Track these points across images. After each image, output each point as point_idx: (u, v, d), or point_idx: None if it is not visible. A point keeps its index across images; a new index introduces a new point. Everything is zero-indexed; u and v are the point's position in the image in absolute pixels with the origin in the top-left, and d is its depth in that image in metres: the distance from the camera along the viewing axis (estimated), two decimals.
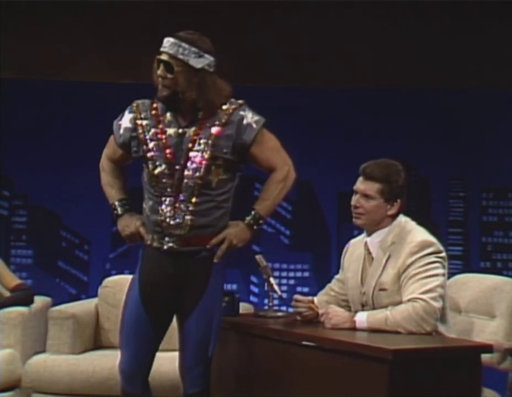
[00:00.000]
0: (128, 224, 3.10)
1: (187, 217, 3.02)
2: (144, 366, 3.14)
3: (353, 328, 3.01)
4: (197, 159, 3.01)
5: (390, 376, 2.57)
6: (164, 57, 2.98)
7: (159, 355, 3.81)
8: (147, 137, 3.04)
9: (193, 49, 2.98)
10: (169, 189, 3.02)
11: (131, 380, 3.12)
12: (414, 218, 3.24)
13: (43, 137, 5.56)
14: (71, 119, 5.38)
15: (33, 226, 5.78)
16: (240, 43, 5.66)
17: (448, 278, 3.24)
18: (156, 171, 3.02)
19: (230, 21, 5.62)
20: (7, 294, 4.19)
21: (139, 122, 3.06)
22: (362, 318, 3.02)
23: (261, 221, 3.14)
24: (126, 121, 3.09)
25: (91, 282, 5.50)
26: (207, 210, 3.03)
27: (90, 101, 5.35)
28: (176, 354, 3.62)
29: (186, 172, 3.01)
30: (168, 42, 2.99)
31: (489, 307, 3.36)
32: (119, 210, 3.14)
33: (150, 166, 3.04)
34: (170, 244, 3.04)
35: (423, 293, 2.99)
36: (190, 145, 3.01)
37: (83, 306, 4.39)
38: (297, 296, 3.30)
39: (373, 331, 2.98)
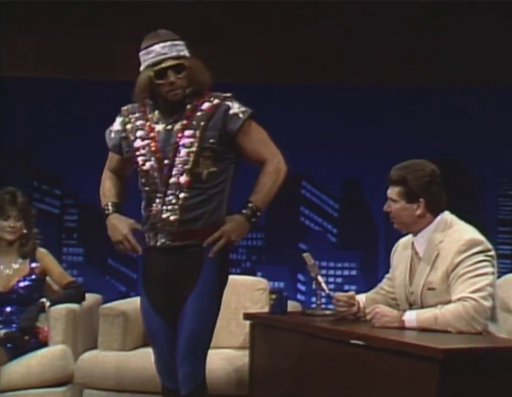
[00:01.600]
0: (116, 228, 3.08)
1: (177, 212, 3.00)
2: (174, 362, 3.07)
3: (402, 328, 3.00)
4: (185, 152, 3.00)
5: (440, 376, 2.55)
6: (170, 62, 2.97)
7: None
8: (137, 135, 3.08)
9: (181, 42, 3.03)
10: (159, 185, 3.02)
11: (167, 377, 3.13)
12: (462, 217, 3.21)
13: (94, 135, 5.64)
14: None
15: (84, 225, 5.88)
16: (284, 41, 5.67)
17: (498, 277, 3.20)
18: (145, 167, 3.04)
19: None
20: (59, 291, 4.26)
21: (128, 123, 3.12)
22: (411, 317, 3.01)
23: (258, 214, 3.07)
24: (116, 125, 3.17)
25: None
26: (198, 203, 3.00)
27: None
28: (219, 351, 3.65)
29: (174, 167, 3.01)
30: (163, 47, 2.97)
31: None
32: (110, 209, 3.14)
33: (140, 162, 3.06)
34: (163, 240, 3.03)
35: (473, 292, 2.97)
36: (178, 139, 3.01)
37: (133, 304, 4.43)
38: (337, 295, 3.31)
39: (422, 330, 2.97)
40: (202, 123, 3.01)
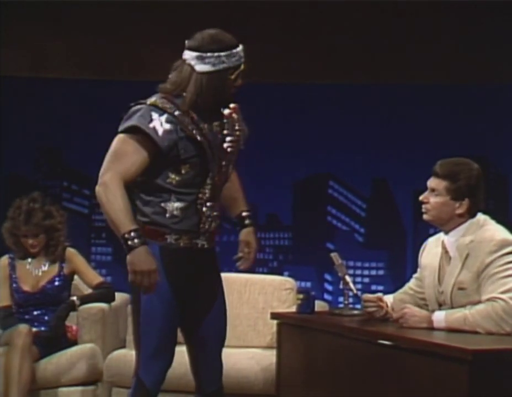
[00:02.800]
0: (148, 259, 2.75)
1: (218, 215, 2.98)
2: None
3: (431, 328, 2.98)
4: (231, 156, 2.96)
5: (469, 377, 2.53)
6: (243, 66, 2.95)
7: (234, 351, 3.85)
8: (198, 135, 2.86)
9: None
10: (210, 190, 2.91)
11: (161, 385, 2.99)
12: (492, 216, 3.19)
13: None
14: None
15: None
16: (308, 40, 5.67)
17: None
18: (205, 169, 2.88)
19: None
20: (89, 291, 4.29)
21: (178, 122, 2.86)
22: (440, 317, 2.99)
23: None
24: (163, 123, 2.84)
25: None
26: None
27: None
28: (246, 350, 3.62)
29: (223, 170, 2.94)
30: (242, 50, 2.93)
31: None
32: (136, 241, 2.73)
33: (200, 164, 2.88)
34: (203, 243, 2.94)
35: (503, 292, 2.94)
36: (221, 141, 2.93)
37: None
38: (365, 296, 3.29)
39: (451, 330, 2.95)
40: (236, 126, 2.97)
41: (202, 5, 5.54)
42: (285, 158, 5.80)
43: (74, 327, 4.20)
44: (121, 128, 2.89)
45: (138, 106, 2.89)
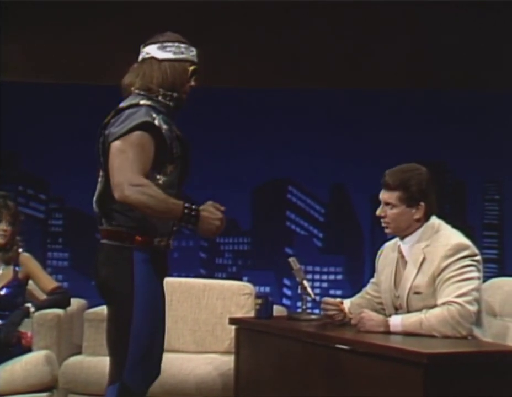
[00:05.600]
0: (211, 214, 2.80)
1: None
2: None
3: (388, 332, 3.00)
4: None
5: (425, 381, 2.55)
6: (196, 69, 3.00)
7: (192, 357, 3.83)
8: (182, 137, 2.95)
9: None
10: (180, 190, 2.96)
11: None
12: (449, 221, 3.22)
13: (79, 140, 5.63)
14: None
15: (69, 229, 5.86)
16: (272, 46, 5.68)
17: (483, 281, 3.21)
18: (186, 172, 2.95)
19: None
20: (44, 297, 4.24)
21: (170, 122, 2.92)
22: (396, 321, 3.01)
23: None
24: (160, 122, 2.88)
25: None
26: None
27: None
28: (204, 356, 3.59)
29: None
30: (198, 54, 3.00)
31: None
32: (194, 212, 2.78)
33: (183, 166, 2.94)
34: (171, 242, 2.98)
35: (458, 296, 2.97)
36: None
37: None
38: (325, 299, 3.30)
39: (407, 334, 2.97)
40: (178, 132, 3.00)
41: (166, 6, 5.53)
42: (244, 163, 5.81)
43: (29, 334, 4.14)
44: (124, 129, 2.81)
45: (133, 109, 2.85)
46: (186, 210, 2.76)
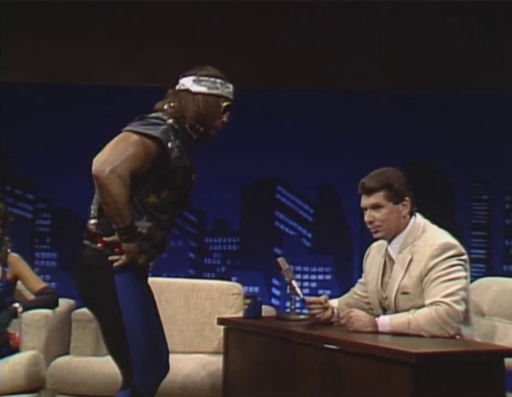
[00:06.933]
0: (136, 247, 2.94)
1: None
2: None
3: (376, 332, 3.01)
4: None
5: (413, 380, 2.56)
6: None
7: (181, 357, 3.81)
8: (190, 169, 3.04)
9: None
10: (173, 216, 3.04)
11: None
12: (437, 221, 3.23)
13: (68, 140, 5.61)
14: (96, 123, 5.43)
15: (57, 229, 5.83)
16: (262, 45, 5.68)
17: (471, 281, 3.22)
18: (179, 201, 3.02)
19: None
20: (32, 297, 4.22)
21: (184, 151, 3.00)
22: (384, 321, 3.02)
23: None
24: (175, 147, 2.95)
25: None
26: None
27: (120, 105, 5.39)
28: (193, 356, 3.58)
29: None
30: (234, 92, 3.10)
31: None
32: (130, 235, 2.90)
33: (180, 196, 3.02)
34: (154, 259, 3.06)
35: (445, 296, 2.98)
36: (193, 173, 3.09)
37: None
38: (308, 299, 3.30)
39: (395, 334, 2.97)
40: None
41: (160, 8, 5.51)
42: (233, 163, 5.80)
43: (17, 335, 4.12)
44: (141, 129, 2.88)
45: (158, 120, 2.94)
46: (128, 228, 2.85)
